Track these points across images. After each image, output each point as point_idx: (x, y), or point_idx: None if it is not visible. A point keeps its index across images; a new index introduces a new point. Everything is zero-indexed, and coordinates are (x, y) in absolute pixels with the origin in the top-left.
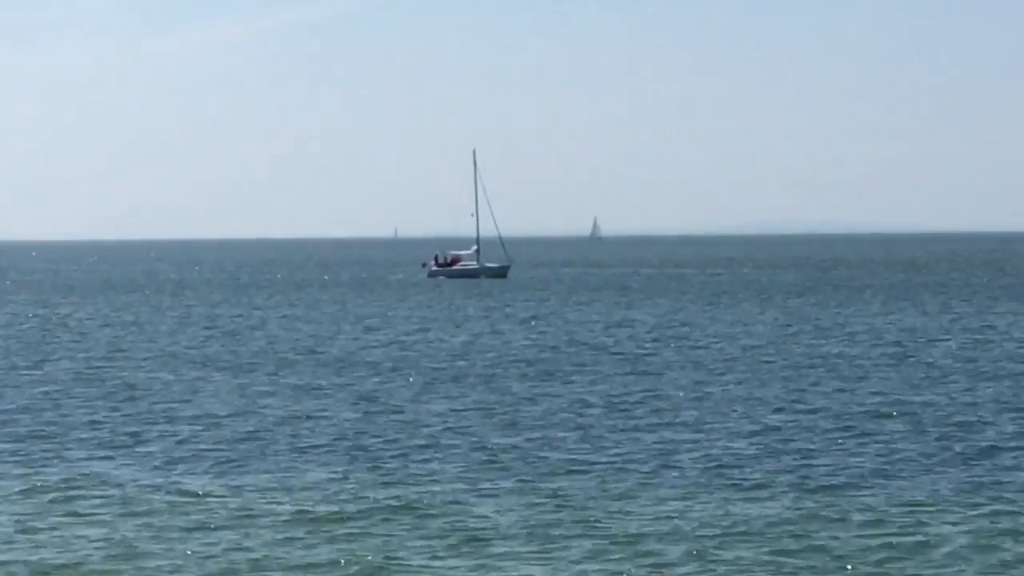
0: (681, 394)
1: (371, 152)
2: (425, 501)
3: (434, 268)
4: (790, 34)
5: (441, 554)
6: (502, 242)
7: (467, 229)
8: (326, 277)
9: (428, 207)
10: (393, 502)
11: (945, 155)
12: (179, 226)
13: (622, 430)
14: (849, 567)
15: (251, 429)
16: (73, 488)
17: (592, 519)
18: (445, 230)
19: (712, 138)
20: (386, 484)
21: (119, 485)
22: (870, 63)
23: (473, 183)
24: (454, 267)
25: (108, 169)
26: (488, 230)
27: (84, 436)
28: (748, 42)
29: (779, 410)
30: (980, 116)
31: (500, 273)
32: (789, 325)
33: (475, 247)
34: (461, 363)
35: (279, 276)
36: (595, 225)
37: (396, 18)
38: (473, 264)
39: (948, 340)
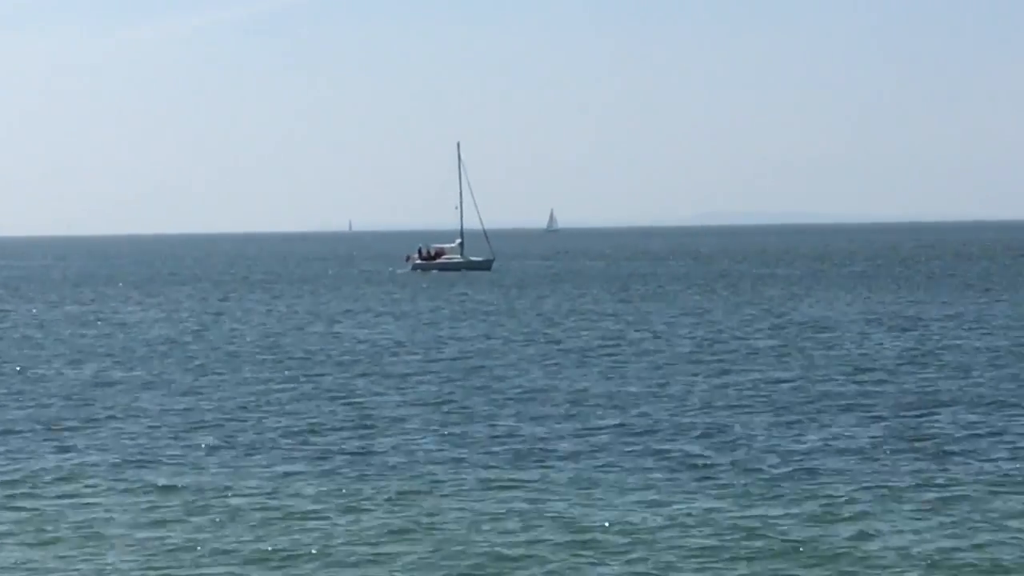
0: (632, 388)
1: (325, 145)
2: (382, 494)
3: (418, 262)
4: (738, 25)
5: (397, 546)
6: (486, 235)
7: (426, 222)
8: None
9: (382, 201)
10: (350, 495)
11: (888, 146)
12: (135, 222)
13: (579, 421)
14: (799, 558)
15: (207, 423)
16: (34, 481)
17: (550, 511)
18: (401, 223)
19: (669, 131)
20: (341, 476)
21: (72, 480)
22: (820, 57)
23: (457, 176)
24: (438, 260)
25: (60, 165)
26: (472, 223)
27: (39, 432)
28: (699, 34)
29: (726, 402)
30: (922, 108)
31: (484, 266)
32: (750, 316)
33: (459, 240)
34: (421, 357)
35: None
36: (551, 217)
37: (368, 8)
38: (457, 257)
39: (864, 330)
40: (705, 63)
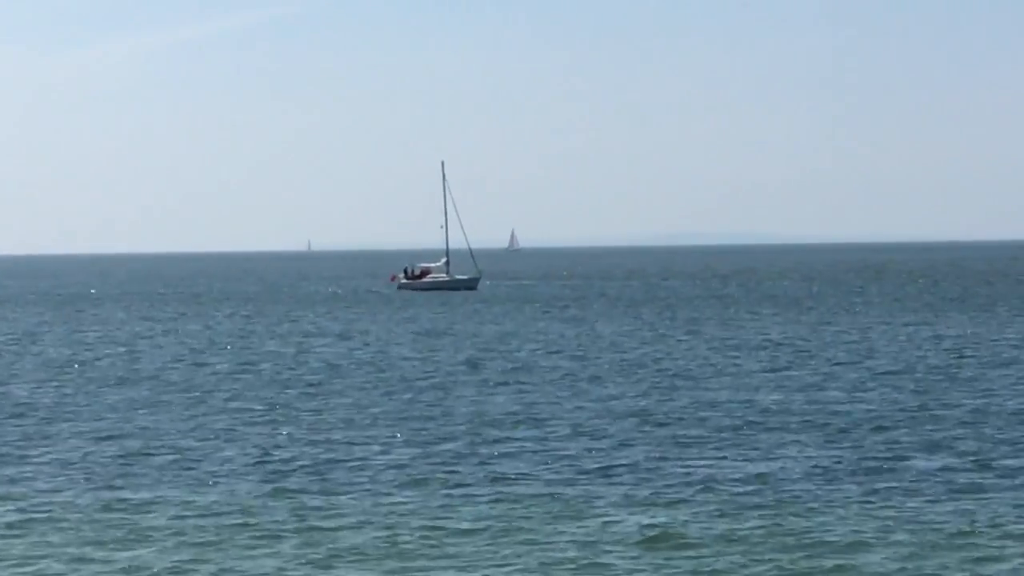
0: (617, 408)
1: (283, 164)
2: (353, 514)
3: (404, 281)
4: (702, 41)
5: (360, 567)
6: (472, 254)
7: (390, 242)
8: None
9: (340, 220)
10: (314, 514)
11: (869, 165)
12: (95, 241)
13: (545, 441)
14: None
15: (172, 445)
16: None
17: (516, 527)
18: (363, 243)
19: (632, 148)
20: (303, 494)
21: (23, 501)
22: (793, 73)
23: (442, 195)
24: (424, 279)
25: (27, 183)
26: (457, 241)
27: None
28: (661, 50)
29: (680, 419)
30: (897, 127)
31: (470, 285)
32: (687, 336)
33: (444, 259)
34: (397, 375)
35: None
36: (512, 237)
37: (337, 24)
38: (443, 276)
39: (845, 348)
40: (673, 82)
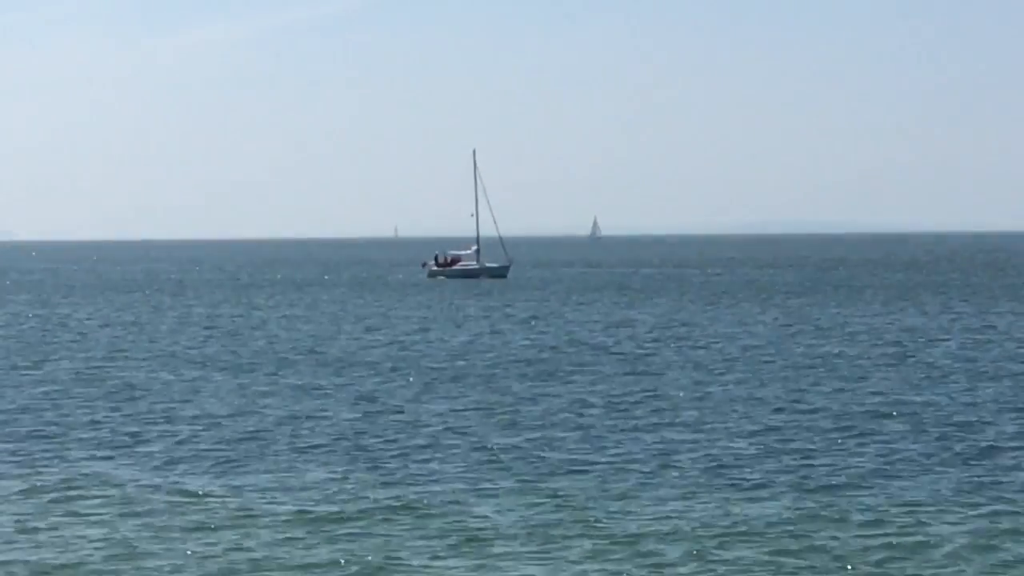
0: (681, 394)
1: (372, 152)
2: (425, 501)
3: (434, 268)
4: (789, 33)
5: (441, 554)
6: (502, 242)
7: (468, 229)
8: (326, 277)
9: (428, 207)
10: (393, 502)
11: (947, 156)
12: (178, 226)
13: (622, 430)
14: (849, 567)
15: (251, 429)
16: (73, 488)
17: (592, 519)
18: (445, 230)
19: (712, 138)
20: (386, 484)
21: (119, 485)
22: (871, 62)
23: (473, 183)
24: (454, 267)
25: (108, 169)
26: (488, 230)
27: (84, 436)
28: (748, 41)
29: (779, 410)
30: (981, 117)
31: (500, 273)
32: (789, 325)
33: (475, 247)
34: (461, 363)
35: (279, 276)
36: (595, 225)
37: (394, 18)
38: (473, 264)
39: (948, 340)
40: (753, 68)
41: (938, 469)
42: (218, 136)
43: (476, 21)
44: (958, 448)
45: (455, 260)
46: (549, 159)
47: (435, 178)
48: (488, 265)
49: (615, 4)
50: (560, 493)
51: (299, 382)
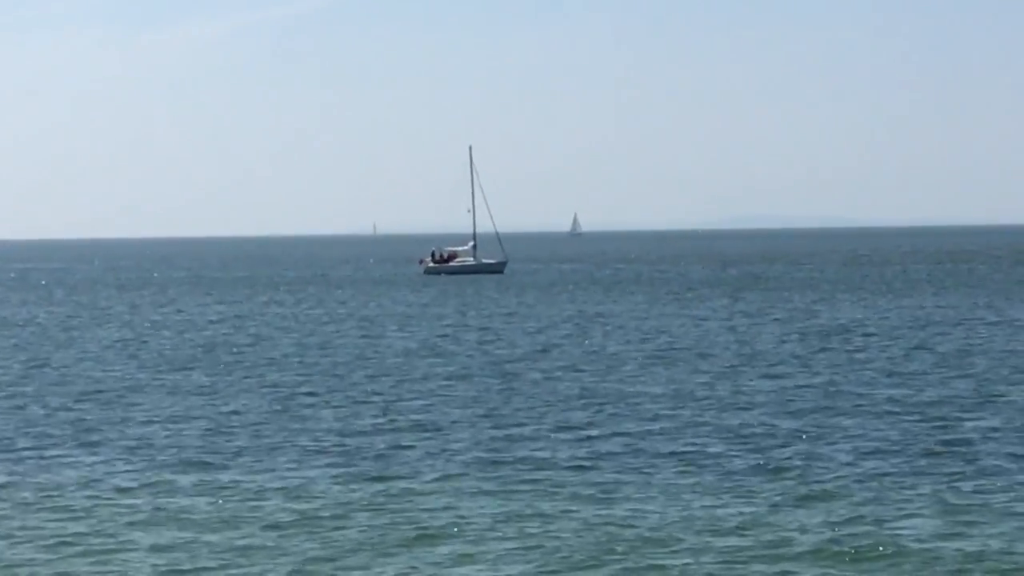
0: (656, 390)
1: (349, 149)
2: (407, 497)
3: (431, 264)
4: (773, 28)
5: (421, 550)
6: (499, 238)
7: (448, 226)
8: (321, 274)
9: (405, 203)
10: (375, 498)
11: (932, 151)
12: (166, 225)
13: (603, 426)
14: (821, 559)
15: (231, 427)
16: (54, 485)
17: (572, 513)
18: (425, 226)
19: (693, 133)
20: (368, 480)
21: (95, 484)
22: (855, 58)
23: (470, 179)
24: (451, 263)
25: (102, 167)
26: (484, 226)
27: (70, 436)
28: (731, 36)
29: (751, 405)
30: (966, 113)
31: (497, 269)
32: (758, 320)
33: (472, 243)
34: (450, 360)
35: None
36: (575, 221)
37: (369, 14)
38: (470, 260)
39: (919, 332)
40: (733, 65)
41: (911, 462)
42: (194, 134)
43: (452, 17)
44: (931, 441)
45: (452, 256)
46: (529, 155)
47: (413, 175)
48: (485, 261)
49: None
50: (544, 489)
51: (286, 379)
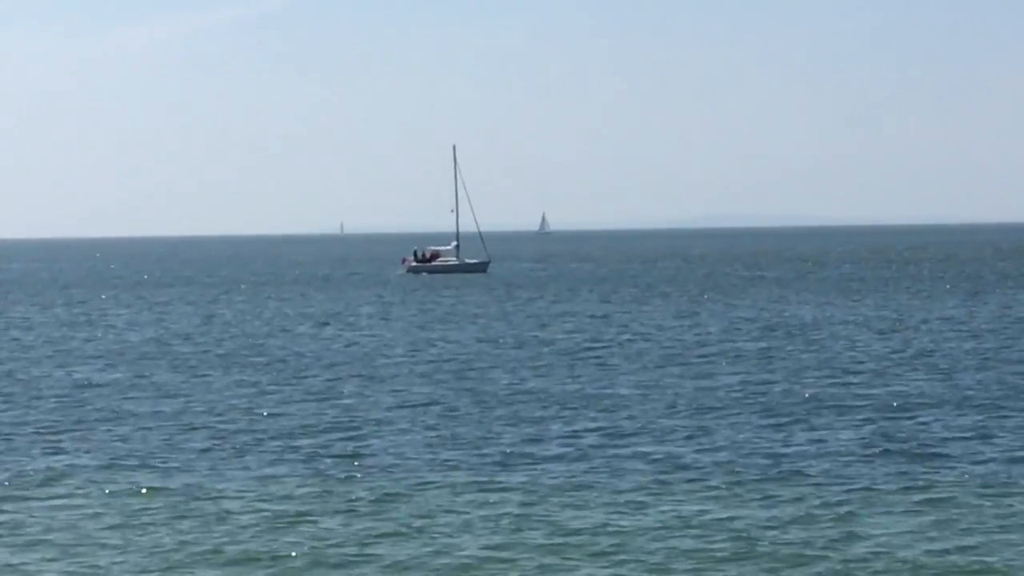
0: (623, 391)
1: (314, 149)
2: (370, 495)
3: (414, 264)
4: (739, 29)
5: (386, 548)
6: (481, 237)
7: (417, 225)
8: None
9: (373, 203)
10: (338, 497)
11: (899, 150)
12: (134, 224)
13: (569, 423)
14: (785, 559)
15: (195, 425)
16: (15, 486)
17: (542, 510)
18: (392, 226)
19: (663, 132)
20: (330, 478)
21: (60, 482)
22: (821, 57)
23: (453, 179)
24: (433, 263)
25: (66, 168)
26: (467, 226)
27: (29, 435)
28: (699, 36)
29: (716, 405)
30: (932, 111)
31: (480, 268)
32: (688, 317)
33: (455, 243)
34: (417, 359)
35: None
36: (543, 220)
37: (335, 12)
38: (453, 260)
39: (884, 334)
40: (705, 64)
41: (871, 461)
42: (160, 134)
43: (415, 15)
44: (892, 440)
45: (435, 256)
46: (496, 154)
47: (380, 174)
48: (468, 261)
49: (560, 1)
50: (512, 487)
51: (250, 379)
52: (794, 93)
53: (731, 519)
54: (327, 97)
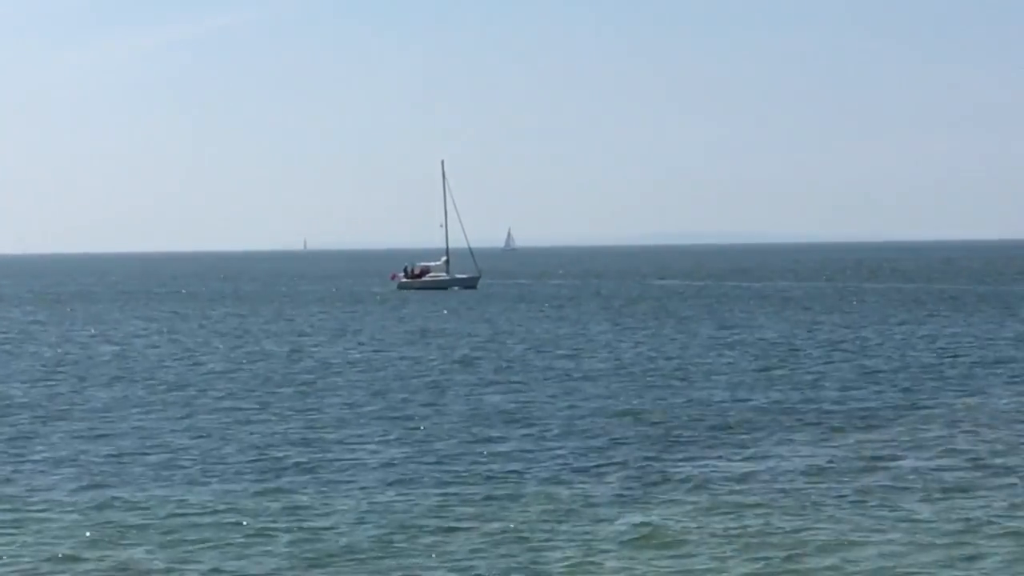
0: (547, 406)
1: (278, 164)
2: (337, 511)
3: (404, 280)
4: (692, 52)
5: (352, 563)
6: (471, 253)
7: (382, 242)
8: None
9: (337, 219)
10: (304, 511)
11: (836, 169)
12: (91, 240)
13: (532, 438)
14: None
15: (165, 444)
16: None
17: (489, 519)
18: (355, 243)
19: (620, 148)
20: (297, 493)
21: (17, 499)
22: (770, 71)
23: (442, 194)
24: (424, 278)
25: (16, 183)
26: (457, 241)
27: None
28: (652, 58)
29: (674, 418)
30: (891, 127)
31: (470, 284)
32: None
33: (444, 258)
34: (373, 375)
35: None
36: (509, 236)
37: (299, 28)
38: (443, 275)
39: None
40: (658, 84)
41: (823, 472)
42: (117, 149)
43: (376, 25)
44: (837, 448)
45: (424, 271)
46: (462, 170)
47: (344, 190)
48: (458, 276)
49: (523, 10)
50: (473, 500)
51: (225, 396)
52: (743, 112)
53: (689, 531)
54: (292, 114)
